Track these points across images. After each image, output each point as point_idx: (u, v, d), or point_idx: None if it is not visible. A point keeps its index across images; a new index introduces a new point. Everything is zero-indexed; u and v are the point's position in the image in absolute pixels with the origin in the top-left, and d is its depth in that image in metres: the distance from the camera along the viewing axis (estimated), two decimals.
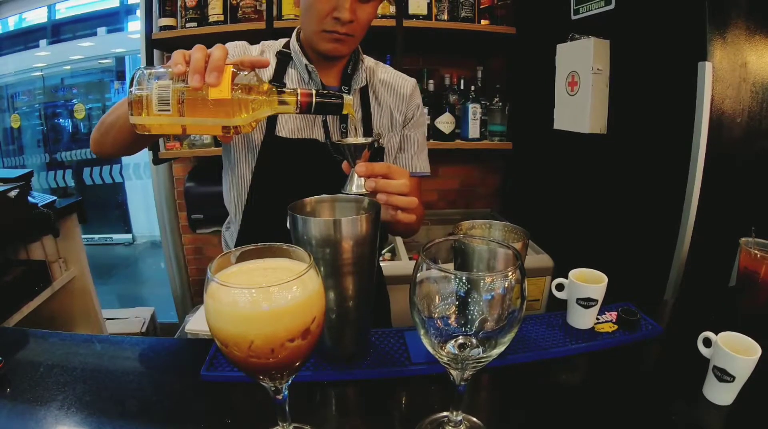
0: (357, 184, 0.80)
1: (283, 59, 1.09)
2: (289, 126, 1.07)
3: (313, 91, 0.74)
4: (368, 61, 1.17)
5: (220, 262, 0.52)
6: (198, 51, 0.68)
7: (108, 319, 2.43)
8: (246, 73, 0.71)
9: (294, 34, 1.11)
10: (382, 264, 1.86)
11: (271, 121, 1.06)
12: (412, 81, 1.22)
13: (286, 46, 1.11)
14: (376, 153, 1.13)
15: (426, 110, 2.18)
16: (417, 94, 1.22)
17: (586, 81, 1.55)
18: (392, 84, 1.18)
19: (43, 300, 1.87)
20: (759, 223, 0.97)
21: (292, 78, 1.09)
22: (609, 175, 1.61)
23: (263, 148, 1.06)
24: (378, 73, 1.18)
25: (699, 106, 1.20)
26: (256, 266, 0.54)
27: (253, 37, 1.21)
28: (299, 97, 0.73)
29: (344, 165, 0.84)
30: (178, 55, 0.69)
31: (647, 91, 1.41)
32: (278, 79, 1.07)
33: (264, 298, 0.46)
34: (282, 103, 0.73)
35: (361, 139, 0.81)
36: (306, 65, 1.05)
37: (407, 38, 2.02)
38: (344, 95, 0.77)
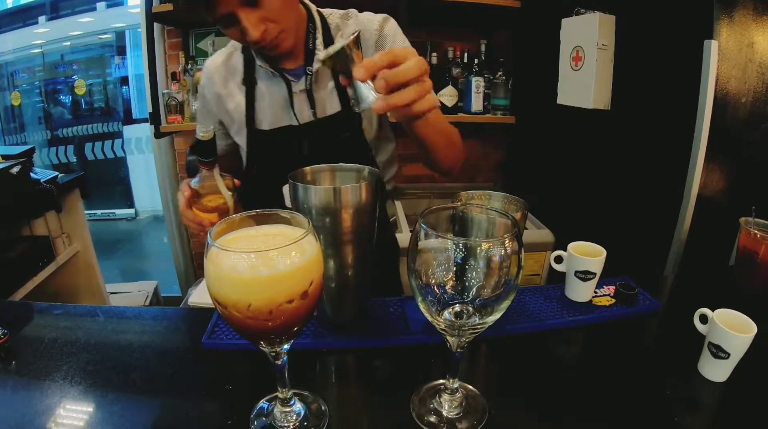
0: (367, 97, 0.64)
1: (251, 56, 1.05)
2: (267, 117, 1.07)
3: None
4: (333, 18, 1.06)
5: (222, 228, 0.52)
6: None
7: (111, 293, 2.45)
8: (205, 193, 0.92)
9: None
10: None
11: (250, 115, 1.07)
12: (378, 19, 1.05)
13: None
14: (352, 121, 1.04)
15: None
16: (390, 34, 1.04)
17: (591, 56, 1.53)
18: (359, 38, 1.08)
19: (47, 275, 1.89)
20: (760, 203, 0.97)
21: (261, 76, 1.06)
22: (612, 150, 1.60)
23: (249, 141, 1.09)
24: (345, 30, 1.06)
25: (704, 84, 1.18)
26: (256, 232, 0.55)
27: None
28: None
29: (342, 80, 0.67)
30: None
31: (652, 67, 1.39)
32: (250, 79, 1.06)
33: (263, 262, 0.47)
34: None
35: (339, 42, 0.65)
36: (260, 66, 1.03)
37: (411, 11, 1.99)
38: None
